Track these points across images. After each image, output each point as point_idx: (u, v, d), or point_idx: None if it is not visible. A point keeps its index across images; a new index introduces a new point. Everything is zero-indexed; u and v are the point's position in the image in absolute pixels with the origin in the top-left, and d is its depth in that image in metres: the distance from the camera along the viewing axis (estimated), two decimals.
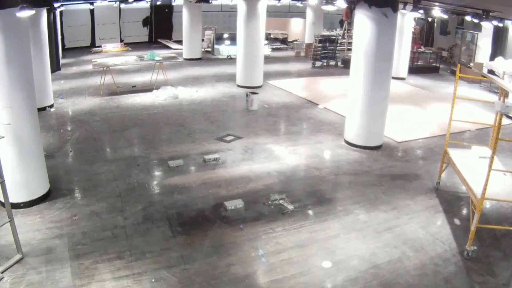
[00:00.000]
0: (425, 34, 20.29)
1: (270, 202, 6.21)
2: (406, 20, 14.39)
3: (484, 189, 4.85)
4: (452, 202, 6.44)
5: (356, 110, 8.19)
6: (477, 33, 15.73)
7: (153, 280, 4.52)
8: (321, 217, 5.87)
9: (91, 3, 17.89)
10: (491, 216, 6.04)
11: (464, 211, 6.20)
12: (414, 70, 16.08)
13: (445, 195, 6.63)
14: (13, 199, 5.18)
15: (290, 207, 6.08)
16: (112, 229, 5.42)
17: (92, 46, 19.12)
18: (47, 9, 10.70)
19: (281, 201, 6.22)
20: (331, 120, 10.05)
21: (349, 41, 18.11)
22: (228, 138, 8.65)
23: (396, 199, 6.42)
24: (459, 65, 6.98)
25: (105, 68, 11.98)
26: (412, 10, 11.15)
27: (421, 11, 11.52)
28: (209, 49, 18.95)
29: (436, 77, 15.95)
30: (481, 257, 5.08)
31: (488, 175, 4.83)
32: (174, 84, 12.79)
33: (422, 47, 18.12)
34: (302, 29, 20.97)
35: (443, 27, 19.63)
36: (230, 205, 6.02)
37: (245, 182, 6.80)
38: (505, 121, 10.60)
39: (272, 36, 20.56)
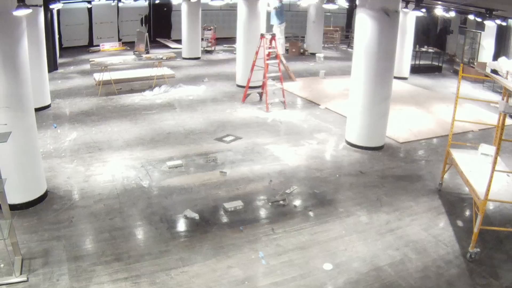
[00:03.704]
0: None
1: (270, 204, 6.15)
2: (408, 19, 14.31)
3: (487, 190, 4.79)
4: (454, 203, 6.37)
5: (357, 111, 8.12)
6: (480, 32, 15.67)
7: (151, 282, 4.45)
8: (322, 218, 5.81)
9: (89, 2, 17.78)
10: (495, 218, 5.98)
11: (467, 213, 6.15)
12: (416, 69, 16.02)
13: (447, 196, 6.57)
14: (9, 200, 5.09)
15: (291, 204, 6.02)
16: (110, 231, 5.35)
17: (89, 45, 19.01)
18: (44, 8, 10.60)
19: (281, 202, 6.16)
20: (332, 121, 9.98)
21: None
22: (228, 139, 8.57)
23: (398, 200, 6.35)
24: (462, 64, 6.91)
25: (103, 68, 11.89)
26: (414, 9, 11.08)
27: (423, 10, 11.46)
28: (209, 48, 18.86)
29: (439, 76, 15.90)
30: (484, 259, 5.02)
31: (491, 176, 4.77)
32: (173, 83, 12.71)
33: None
34: None
35: (445, 26, 19.58)
36: (230, 206, 5.95)
37: (245, 183, 6.73)
38: (508, 121, 10.53)
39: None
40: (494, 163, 4.80)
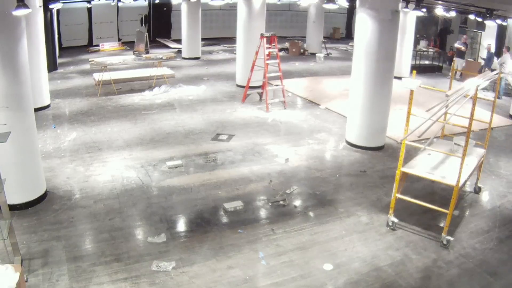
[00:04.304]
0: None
1: (270, 204, 6.13)
2: (409, 19, 14.27)
3: (459, 178, 4.79)
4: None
5: (357, 111, 8.11)
6: (481, 32, 15.66)
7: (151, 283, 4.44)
8: (322, 219, 5.80)
9: (89, 2, 17.74)
10: (495, 218, 5.97)
11: (467, 212, 6.14)
12: (416, 69, 15.97)
13: (448, 196, 6.54)
14: (9, 200, 5.08)
15: (291, 204, 6.00)
16: (110, 231, 5.34)
17: (89, 45, 18.98)
18: (44, 8, 10.57)
19: (281, 203, 6.14)
20: (333, 121, 9.97)
21: None
22: (224, 137, 8.56)
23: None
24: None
25: (103, 68, 11.88)
26: (414, 9, 11.07)
27: (424, 10, 11.45)
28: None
29: (439, 76, 15.87)
30: (485, 259, 5.01)
31: (461, 164, 4.94)
32: (173, 83, 12.69)
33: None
34: None
35: (446, 26, 19.58)
36: (230, 206, 5.94)
37: (245, 183, 6.72)
38: (508, 121, 10.53)
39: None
40: (464, 152, 5.05)
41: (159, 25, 21.21)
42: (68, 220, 5.52)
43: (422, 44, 19.11)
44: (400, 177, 5.50)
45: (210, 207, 6.00)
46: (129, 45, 18.90)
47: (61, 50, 17.26)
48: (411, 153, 8.26)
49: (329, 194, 6.50)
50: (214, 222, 5.65)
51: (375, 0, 7.45)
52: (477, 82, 5.31)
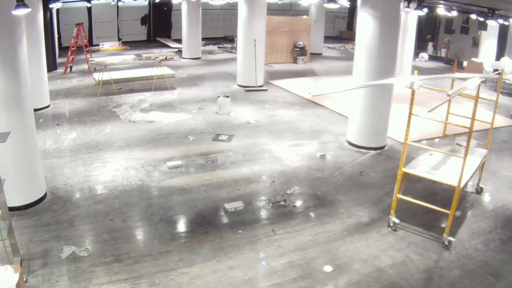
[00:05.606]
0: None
1: (271, 204, 6.11)
2: (410, 19, 14.24)
3: (460, 178, 4.76)
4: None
5: (358, 110, 8.09)
6: (482, 32, 15.62)
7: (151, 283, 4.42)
8: (323, 219, 5.78)
9: (89, 1, 17.72)
10: (497, 218, 5.94)
11: (469, 213, 6.11)
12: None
13: (449, 196, 6.52)
14: (9, 201, 5.05)
15: (292, 205, 5.98)
16: (110, 231, 5.32)
17: (89, 45, 18.94)
18: (44, 7, 10.55)
19: (282, 203, 6.12)
20: (333, 121, 9.94)
21: None
22: (224, 138, 8.54)
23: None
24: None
25: (102, 67, 11.85)
26: (415, 9, 11.04)
27: (425, 9, 11.43)
28: None
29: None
30: (487, 260, 4.99)
31: (463, 165, 4.78)
32: (174, 84, 12.67)
33: None
34: None
35: (447, 25, 19.54)
36: (230, 207, 5.92)
37: (245, 184, 6.70)
38: (509, 121, 10.51)
39: None
40: (466, 152, 5.01)
41: (159, 25, 21.19)
42: (68, 221, 5.50)
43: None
44: (402, 178, 5.47)
45: (211, 208, 5.98)
46: (129, 44, 18.90)
47: (61, 49, 17.22)
48: (412, 153, 8.25)
49: (330, 194, 6.48)
50: (214, 222, 5.63)
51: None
52: (476, 81, 5.28)
